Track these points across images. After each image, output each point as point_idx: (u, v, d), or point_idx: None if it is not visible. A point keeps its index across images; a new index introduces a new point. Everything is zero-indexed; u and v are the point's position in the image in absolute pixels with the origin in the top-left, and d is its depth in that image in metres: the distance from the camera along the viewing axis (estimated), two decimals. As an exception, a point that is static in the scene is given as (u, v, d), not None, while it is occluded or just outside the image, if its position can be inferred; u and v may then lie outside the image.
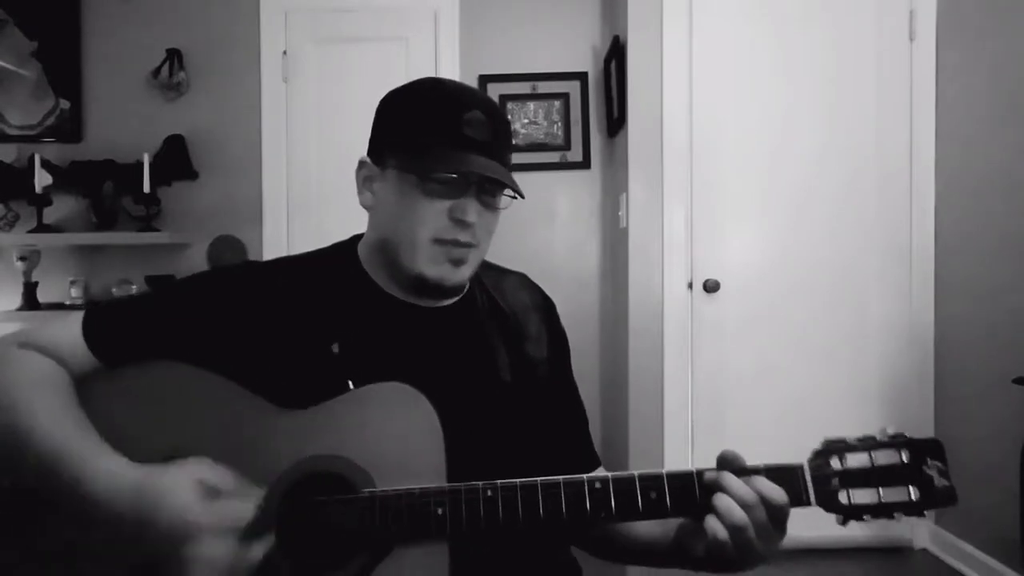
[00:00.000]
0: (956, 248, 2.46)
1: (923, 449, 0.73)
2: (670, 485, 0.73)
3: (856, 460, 0.73)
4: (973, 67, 2.38)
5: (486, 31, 3.08)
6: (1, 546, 0.77)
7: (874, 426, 2.50)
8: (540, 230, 3.11)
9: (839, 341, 2.59)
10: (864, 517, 0.72)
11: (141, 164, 2.85)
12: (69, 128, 3.05)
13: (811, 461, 0.74)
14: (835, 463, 0.73)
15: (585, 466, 0.97)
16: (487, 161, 0.81)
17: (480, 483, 0.74)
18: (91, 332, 0.82)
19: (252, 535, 0.71)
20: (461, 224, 0.81)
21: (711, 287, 2.61)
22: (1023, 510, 1.85)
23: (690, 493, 0.73)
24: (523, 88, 3.07)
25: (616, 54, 2.78)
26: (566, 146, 3.09)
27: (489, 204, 0.85)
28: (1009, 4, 2.21)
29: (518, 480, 0.74)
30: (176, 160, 2.99)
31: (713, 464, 0.75)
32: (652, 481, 0.73)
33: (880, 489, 0.72)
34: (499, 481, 0.74)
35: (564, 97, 3.08)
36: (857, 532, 0.75)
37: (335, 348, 0.83)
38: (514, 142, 3.05)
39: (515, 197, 0.86)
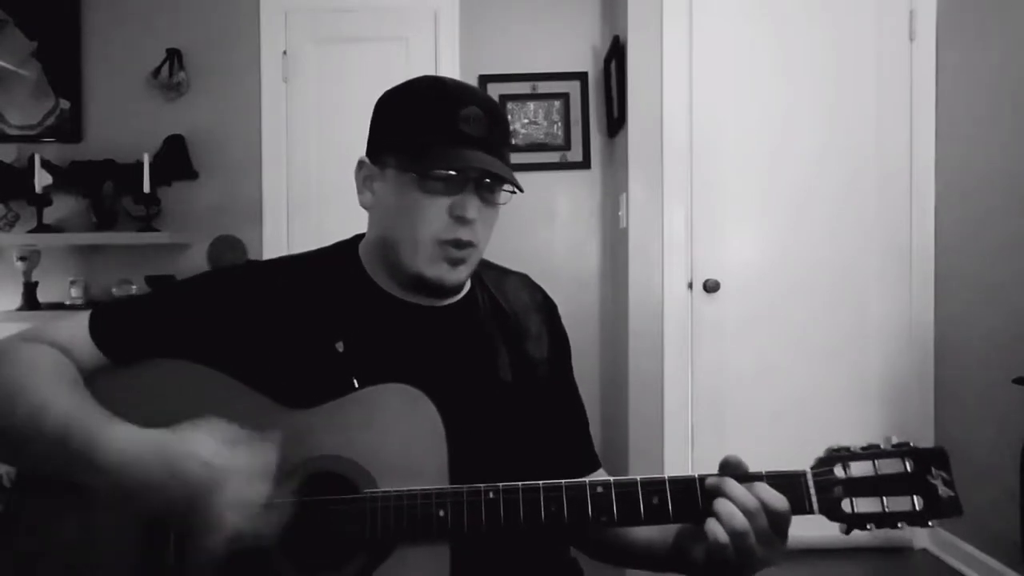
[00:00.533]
0: (956, 248, 2.46)
1: (927, 458, 0.73)
2: (672, 490, 0.73)
3: (860, 468, 0.73)
4: (973, 67, 2.38)
5: (486, 31, 3.08)
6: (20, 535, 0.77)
7: (874, 426, 2.50)
8: (540, 230, 3.11)
9: (839, 341, 2.59)
10: (867, 526, 0.71)
11: (141, 164, 2.85)
12: (69, 128, 3.05)
13: (814, 469, 0.74)
14: (838, 471, 0.73)
15: (585, 468, 0.97)
16: (485, 156, 0.81)
17: (482, 485, 0.74)
18: (98, 328, 0.82)
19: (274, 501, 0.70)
20: (461, 221, 0.81)
21: (711, 287, 2.61)
22: (1023, 510, 1.85)
23: (692, 498, 0.73)
24: (523, 88, 3.07)
25: (616, 54, 2.78)
26: (566, 146, 3.09)
27: (489, 200, 0.85)
28: (1009, 4, 2.21)
29: (520, 483, 0.74)
30: (176, 160, 2.99)
31: (714, 465, 0.75)
32: (654, 486, 0.73)
33: (884, 498, 0.72)
34: (501, 484, 0.74)
35: (564, 97, 3.08)
36: (857, 532, 0.75)
37: (339, 347, 0.83)
38: (514, 142, 3.05)
39: (514, 192, 0.85)
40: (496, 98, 3.00)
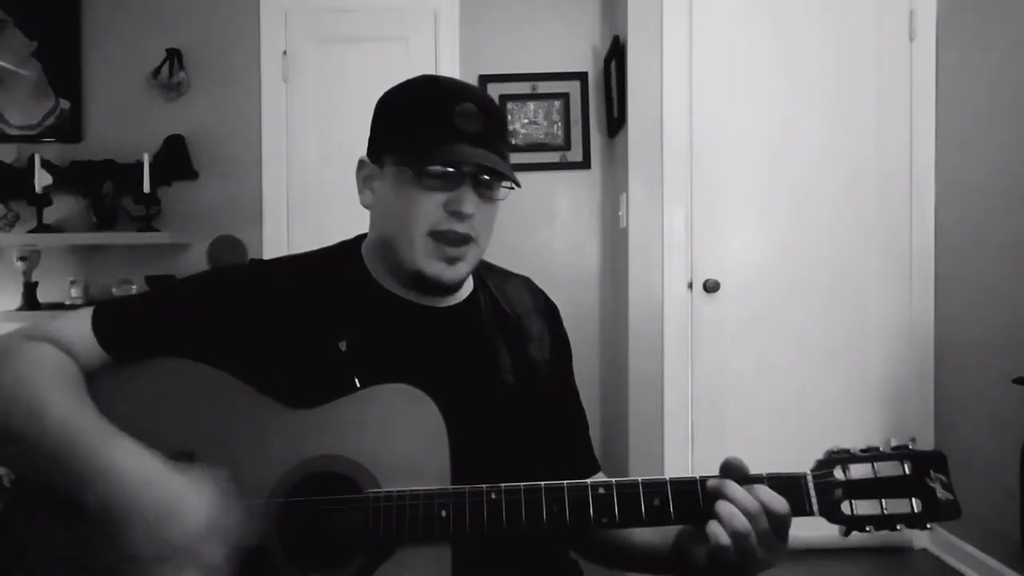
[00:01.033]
0: (956, 248, 2.46)
1: (926, 461, 0.73)
2: (673, 491, 0.73)
3: (859, 471, 0.73)
4: (973, 67, 2.38)
5: (486, 31, 3.08)
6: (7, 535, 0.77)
7: (874, 426, 2.49)
8: (540, 230, 3.11)
9: (839, 341, 2.59)
10: (867, 528, 0.72)
11: (141, 164, 2.85)
12: (69, 128, 3.05)
13: (814, 471, 0.74)
14: (838, 473, 0.73)
15: (585, 471, 0.97)
16: (481, 152, 0.81)
17: (484, 486, 0.74)
18: (101, 326, 0.82)
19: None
20: (457, 216, 0.81)
21: (711, 287, 2.61)
22: (1023, 510, 1.85)
23: (693, 500, 0.73)
24: (523, 88, 3.07)
25: (616, 54, 2.78)
26: (566, 146, 3.09)
27: (486, 196, 0.85)
28: (1009, 4, 2.21)
29: (522, 484, 0.74)
30: (176, 160, 2.99)
31: (714, 465, 0.75)
32: (656, 487, 0.73)
33: (883, 500, 0.72)
34: (503, 484, 0.74)
35: (564, 97, 3.08)
36: (857, 533, 0.75)
37: (342, 346, 0.83)
38: (514, 142, 3.05)
39: (512, 188, 0.86)
40: (496, 98, 3.00)
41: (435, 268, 0.84)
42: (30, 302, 2.87)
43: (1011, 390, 2.04)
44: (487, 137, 0.83)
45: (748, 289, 2.62)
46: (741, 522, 0.69)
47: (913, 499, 0.72)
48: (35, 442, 0.71)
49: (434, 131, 0.81)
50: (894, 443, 0.75)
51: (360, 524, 0.74)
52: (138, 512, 0.67)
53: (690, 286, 2.63)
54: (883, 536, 0.72)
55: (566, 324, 1.03)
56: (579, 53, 3.10)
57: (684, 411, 2.62)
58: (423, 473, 0.76)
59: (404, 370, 0.81)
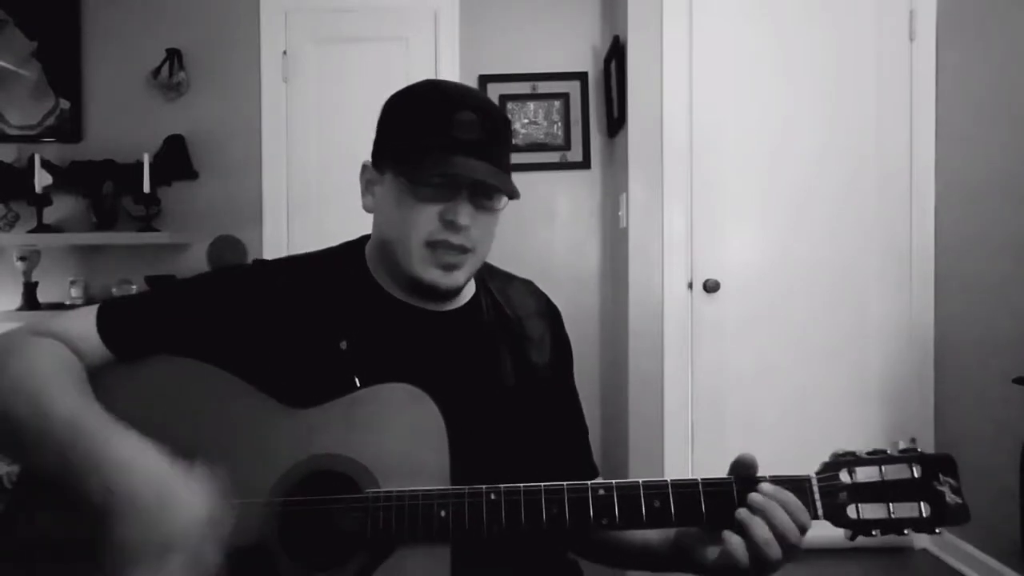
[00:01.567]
0: (956, 248, 2.46)
1: (935, 465, 0.72)
2: (675, 494, 0.73)
3: (866, 474, 0.72)
4: (973, 67, 2.38)
5: (486, 31, 3.07)
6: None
7: (874, 426, 2.49)
8: (540, 230, 3.11)
9: (839, 341, 2.59)
10: (873, 532, 0.71)
11: (141, 164, 2.85)
12: (69, 128, 3.05)
13: (819, 474, 0.73)
14: (844, 476, 0.72)
15: (583, 476, 0.96)
16: (476, 163, 0.80)
17: (484, 487, 0.74)
18: (105, 325, 0.82)
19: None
20: (452, 226, 0.81)
21: (711, 287, 2.61)
22: (1023, 510, 1.85)
23: (695, 502, 0.73)
24: (523, 88, 3.07)
25: (616, 54, 2.78)
26: (566, 146, 3.09)
27: (484, 206, 0.84)
28: (1009, 4, 2.21)
29: (521, 484, 0.74)
30: (176, 160, 2.99)
31: (714, 465, 0.75)
32: (656, 489, 0.73)
33: (890, 504, 0.71)
34: (502, 485, 0.74)
35: (564, 97, 3.08)
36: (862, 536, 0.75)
37: (343, 346, 0.83)
38: (514, 142, 3.05)
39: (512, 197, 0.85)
40: (496, 98, 3.00)
41: (432, 275, 0.83)
42: (30, 302, 2.87)
43: (1011, 390, 2.04)
44: (486, 147, 0.82)
45: (748, 289, 2.62)
46: (764, 533, 0.69)
47: (921, 503, 0.71)
48: (41, 436, 0.71)
49: (431, 140, 0.81)
50: (902, 445, 0.74)
51: (360, 524, 0.74)
52: (140, 502, 0.67)
53: (690, 286, 2.63)
54: (884, 537, 0.71)
55: (566, 324, 1.03)
56: (579, 53, 3.10)
57: (684, 411, 2.62)
58: (422, 473, 0.76)
59: (405, 371, 0.81)
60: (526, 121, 3.08)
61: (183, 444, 0.76)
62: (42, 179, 2.83)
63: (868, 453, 0.73)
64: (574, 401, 1.01)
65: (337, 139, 3.03)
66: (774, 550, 0.69)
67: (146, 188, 2.84)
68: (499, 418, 0.87)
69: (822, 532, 0.78)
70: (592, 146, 3.10)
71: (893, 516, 0.71)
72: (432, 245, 0.82)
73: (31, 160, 2.85)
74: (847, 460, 0.73)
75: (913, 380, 2.57)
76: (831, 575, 2.36)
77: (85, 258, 3.06)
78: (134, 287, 2.92)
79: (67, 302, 2.92)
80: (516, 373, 0.91)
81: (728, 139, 2.62)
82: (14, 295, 2.90)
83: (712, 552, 0.74)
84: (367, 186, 0.89)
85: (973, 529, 2.31)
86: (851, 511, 0.72)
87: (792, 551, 0.71)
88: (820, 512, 0.72)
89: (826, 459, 0.74)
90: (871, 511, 0.71)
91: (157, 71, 3.00)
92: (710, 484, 0.74)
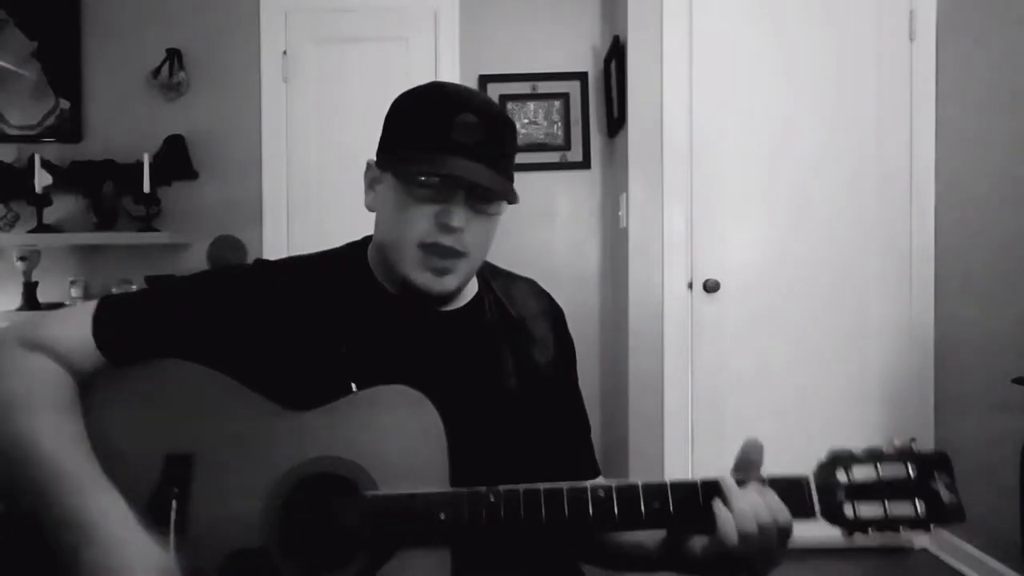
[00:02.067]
0: (956, 248, 2.46)
1: (930, 463, 0.72)
2: (674, 495, 0.73)
3: (862, 473, 0.72)
4: (973, 67, 2.38)
5: (486, 31, 3.07)
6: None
7: (874, 426, 2.49)
8: (540, 230, 3.11)
9: (839, 341, 2.59)
10: (869, 531, 0.71)
11: (141, 164, 2.85)
12: (69, 128, 3.05)
13: (816, 473, 0.73)
14: (841, 475, 0.72)
15: (586, 475, 0.96)
16: (474, 165, 0.79)
17: (483, 488, 0.74)
18: (101, 333, 0.80)
19: None
20: (446, 229, 0.80)
21: (711, 287, 2.61)
22: (1023, 510, 1.85)
23: (694, 504, 0.73)
24: (523, 88, 3.07)
25: (616, 54, 2.78)
26: (566, 146, 3.09)
27: (481, 210, 0.83)
28: (1009, 4, 2.21)
29: (521, 486, 0.74)
30: (176, 160, 2.99)
31: (714, 465, 0.75)
32: (656, 490, 0.73)
33: (886, 502, 0.71)
34: (502, 487, 0.74)
35: (564, 97, 3.08)
36: (858, 532, 0.75)
37: (343, 348, 0.83)
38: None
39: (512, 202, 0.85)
40: (496, 98, 3.00)
41: (423, 279, 0.83)
42: (30, 302, 2.87)
43: (1011, 390, 2.04)
44: (486, 150, 0.81)
45: (748, 289, 2.62)
46: (751, 526, 0.69)
47: (917, 501, 0.71)
48: (24, 470, 0.72)
49: (429, 141, 0.80)
50: (897, 443, 0.74)
51: (358, 526, 0.74)
52: (98, 571, 0.67)
53: (690, 286, 2.63)
54: (883, 536, 0.71)
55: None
56: (579, 53, 3.10)
57: (684, 411, 2.62)
58: (421, 475, 0.75)
59: (404, 373, 0.80)
60: (526, 121, 3.08)
61: (181, 448, 0.76)
62: (42, 179, 2.83)
63: (864, 452, 0.73)
64: (577, 401, 1.01)
65: (337, 139, 3.03)
66: (751, 523, 0.69)
67: (146, 188, 2.84)
68: (499, 419, 0.87)
69: (821, 532, 0.78)
70: (592, 146, 3.10)
71: (889, 514, 0.71)
72: (425, 247, 0.81)
73: (31, 160, 2.85)
74: (843, 459, 0.73)
75: (913, 380, 2.57)
76: (831, 575, 2.36)
77: (85, 258, 3.06)
78: (134, 287, 2.92)
79: (67, 302, 2.92)
80: (518, 373, 0.90)
81: (728, 139, 2.62)
82: (14, 295, 2.90)
83: (699, 542, 0.74)
84: (370, 184, 0.89)
85: (973, 529, 2.31)
86: (848, 510, 0.71)
87: (782, 536, 0.71)
88: (817, 511, 0.72)
89: (823, 458, 0.74)
90: (867, 509, 0.71)
91: (157, 71, 3.00)
92: (709, 485, 0.73)
